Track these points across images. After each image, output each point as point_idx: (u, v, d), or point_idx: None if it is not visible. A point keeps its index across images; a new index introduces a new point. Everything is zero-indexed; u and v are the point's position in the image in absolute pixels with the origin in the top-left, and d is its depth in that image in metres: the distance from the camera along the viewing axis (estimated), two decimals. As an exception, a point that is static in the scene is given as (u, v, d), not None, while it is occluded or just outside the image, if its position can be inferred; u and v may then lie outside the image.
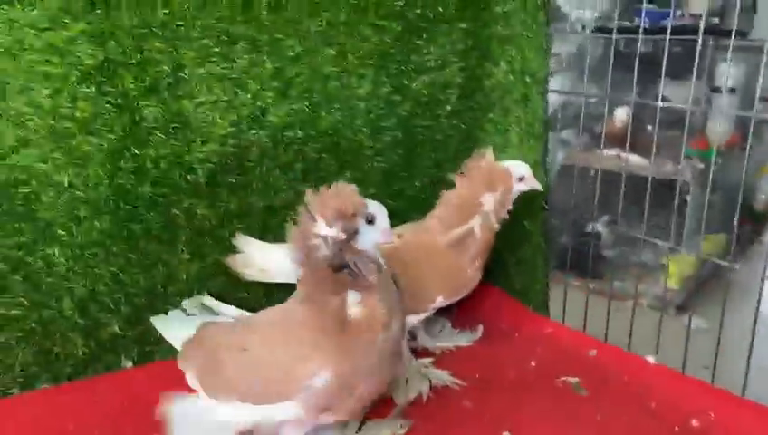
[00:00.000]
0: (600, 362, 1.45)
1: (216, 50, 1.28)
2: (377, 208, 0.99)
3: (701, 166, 3.28)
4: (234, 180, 1.37)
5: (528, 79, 1.50)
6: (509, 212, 1.38)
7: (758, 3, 3.50)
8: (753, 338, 1.27)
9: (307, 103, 1.41)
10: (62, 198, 1.21)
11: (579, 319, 1.57)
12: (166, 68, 1.24)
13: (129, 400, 1.26)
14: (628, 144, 1.74)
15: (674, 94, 3.15)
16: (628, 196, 1.52)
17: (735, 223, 1.37)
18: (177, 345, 1.14)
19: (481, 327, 1.55)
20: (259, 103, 1.35)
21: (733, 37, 1.37)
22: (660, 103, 1.32)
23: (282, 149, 1.40)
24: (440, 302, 1.38)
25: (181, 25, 1.24)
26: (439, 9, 1.51)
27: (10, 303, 1.21)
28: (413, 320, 1.35)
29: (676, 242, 3.27)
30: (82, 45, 1.15)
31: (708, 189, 1.65)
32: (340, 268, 0.95)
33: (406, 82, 1.52)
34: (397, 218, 1.51)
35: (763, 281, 1.26)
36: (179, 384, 1.09)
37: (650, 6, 3.28)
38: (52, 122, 1.16)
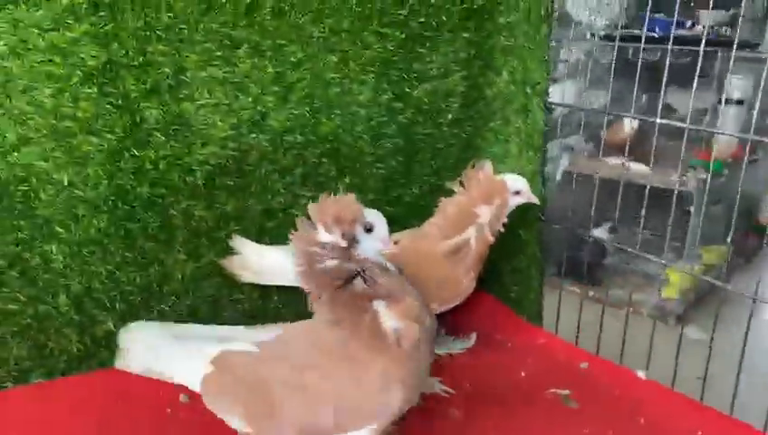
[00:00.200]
0: (591, 374, 1.45)
1: (219, 54, 1.29)
2: (375, 217, 0.99)
3: (705, 177, 3.28)
4: (232, 183, 1.38)
5: (529, 90, 1.50)
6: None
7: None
8: (743, 352, 1.27)
9: (308, 109, 1.41)
10: (61, 196, 1.22)
11: (577, 326, 1.58)
12: (168, 70, 1.25)
13: (122, 396, 1.27)
14: (627, 152, 1.73)
15: (682, 103, 3.16)
16: (631, 204, 1.52)
17: (729, 240, 1.37)
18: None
19: (474, 335, 1.56)
20: (260, 107, 1.36)
21: (735, 48, 1.37)
22: (659, 120, 1.32)
23: (281, 154, 1.41)
24: (434, 309, 1.39)
25: (184, 29, 1.25)
26: (443, 18, 1.51)
27: (6, 298, 1.23)
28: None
29: (677, 253, 3.28)
30: (86, 46, 1.17)
31: (705, 201, 1.64)
32: (350, 278, 0.95)
33: (407, 90, 1.53)
34: (395, 225, 1.52)
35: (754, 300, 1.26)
36: (170, 384, 1.10)
37: (660, 15, 3.28)
38: (54, 122, 1.18)
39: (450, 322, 1.59)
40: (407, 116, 1.55)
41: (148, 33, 1.22)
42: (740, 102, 3.17)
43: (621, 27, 3.37)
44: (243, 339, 1.06)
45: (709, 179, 2.61)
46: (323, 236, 0.94)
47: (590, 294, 1.58)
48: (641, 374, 1.42)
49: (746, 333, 1.26)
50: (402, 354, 0.95)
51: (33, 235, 1.22)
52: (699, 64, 1.31)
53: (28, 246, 1.22)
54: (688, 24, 3.27)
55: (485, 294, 1.67)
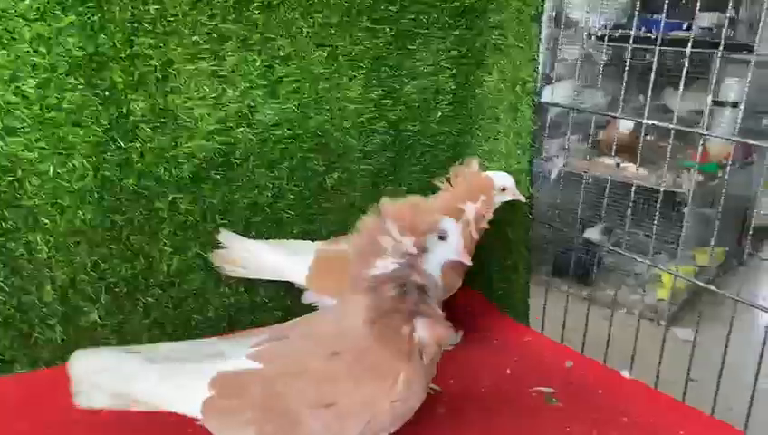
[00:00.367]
0: (575, 373, 1.46)
1: (207, 47, 1.29)
2: (451, 226, 0.97)
3: (700, 178, 3.28)
4: (219, 176, 1.38)
5: (518, 89, 1.50)
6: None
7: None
8: (725, 353, 1.27)
9: (296, 103, 1.41)
10: (46, 186, 1.22)
11: (571, 325, 1.58)
12: (155, 63, 1.25)
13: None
14: (615, 151, 1.73)
15: (678, 104, 3.16)
16: (626, 205, 1.51)
17: (712, 243, 1.37)
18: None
19: (461, 332, 1.56)
20: (247, 101, 1.36)
21: (721, 50, 1.37)
22: (646, 121, 1.32)
23: (268, 148, 1.41)
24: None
25: (172, 21, 1.25)
26: (434, 15, 1.51)
27: (-10, 287, 1.23)
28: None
29: (671, 254, 3.28)
30: (72, 37, 1.16)
31: (689, 202, 1.64)
32: (404, 291, 0.92)
33: (397, 87, 1.53)
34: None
35: (735, 302, 1.26)
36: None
37: (659, 17, 3.27)
38: (39, 112, 1.17)
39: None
40: (396, 112, 1.55)
41: (135, 25, 1.22)
42: (735, 105, 3.17)
43: (619, 28, 3.37)
44: (229, 352, 1.01)
45: (695, 181, 2.60)
46: (396, 233, 0.91)
47: (584, 293, 1.56)
48: (625, 374, 1.42)
49: (728, 335, 1.26)
50: (421, 364, 0.95)
51: (17, 225, 1.22)
52: (686, 67, 1.30)
53: (12, 236, 1.22)
54: (684, 25, 3.26)
55: (473, 292, 1.67)
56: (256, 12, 1.32)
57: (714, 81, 2.53)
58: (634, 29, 1.80)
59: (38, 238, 1.24)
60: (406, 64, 1.52)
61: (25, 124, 1.17)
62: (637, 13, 1.63)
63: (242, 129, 1.37)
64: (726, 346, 1.28)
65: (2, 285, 1.23)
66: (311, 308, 1.42)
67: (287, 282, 1.43)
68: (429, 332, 0.95)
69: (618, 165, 3.27)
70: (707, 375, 1.32)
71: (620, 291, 3.25)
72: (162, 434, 1.16)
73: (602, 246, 2.03)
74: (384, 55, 1.49)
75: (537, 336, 1.59)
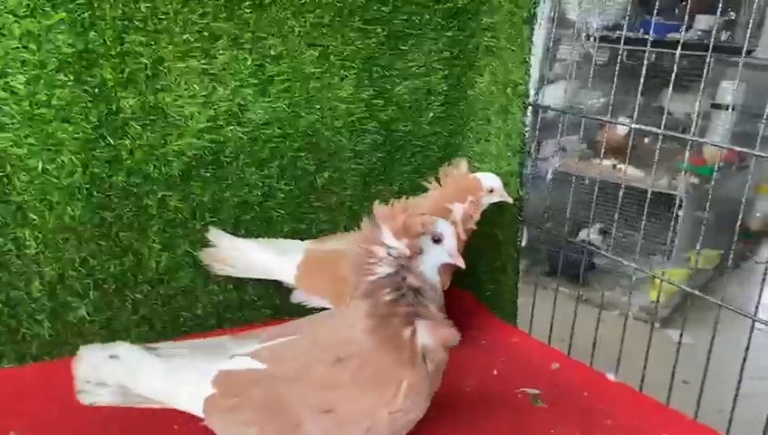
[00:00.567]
0: (561, 375, 1.47)
1: (197, 45, 1.29)
2: (445, 228, 0.97)
3: (695, 181, 3.29)
4: (209, 174, 1.38)
5: (509, 91, 1.51)
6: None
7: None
8: (708, 356, 1.28)
9: (287, 102, 1.42)
10: (35, 182, 1.22)
11: (565, 326, 1.57)
12: (145, 61, 1.25)
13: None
14: (603, 153, 1.73)
15: (676, 107, 3.16)
16: (622, 207, 1.50)
17: (697, 251, 1.37)
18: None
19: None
20: (238, 100, 1.36)
21: (710, 54, 1.37)
22: (634, 126, 1.33)
23: (259, 146, 1.41)
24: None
25: (163, 19, 1.25)
26: (426, 16, 1.52)
27: (-23, 282, 1.24)
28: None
29: (666, 257, 3.28)
30: (62, 34, 1.17)
31: (684, 205, 1.63)
32: (401, 295, 0.92)
33: (389, 87, 1.53)
34: (372, 221, 1.53)
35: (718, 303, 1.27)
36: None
37: (658, 18, 3.27)
38: (29, 108, 1.18)
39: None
40: (387, 113, 1.55)
41: (126, 22, 1.22)
42: (732, 108, 3.17)
43: (617, 29, 3.37)
44: (235, 350, 1.01)
45: (688, 183, 2.59)
46: (388, 239, 0.91)
47: (576, 294, 1.56)
48: (611, 377, 1.43)
49: (712, 339, 1.27)
50: (425, 371, 0.94)
51: (6, 220, 1.22)
52: (675, 70, 1.30)
53: (1, 232, 1.22)
54: (683, 27, 3.26)
55: (461, 292, 1.67)
56: (248, 11, 1.32)
57: (704, 84, 2.53)
58: (625, 30, 1.79)
59: (27, 234, 1.25)
60: (398, 65, 1.53)
61: (15, 120, 1.18)
62: (628, 15, 1.62)
63: (232, 127, 1.37)
64: (710, 350, 1.28)
65: (-10, 279, 1.24)
66: (299, 307, 1.42)
67: (276, 281, 1.44)
68: (432, 334, 0.95)
69: (614, 166, 3.27)
70: (701, 377, 1.32)
71: (614, 292, 3.25)
72: (147, 430, 1.17)
73: (594, 246, 2.04)
74: (376, 56, 1.49)
75: (525, 337, 1.60)
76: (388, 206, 0.93)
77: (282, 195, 1.47)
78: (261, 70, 1.37)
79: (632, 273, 1.47)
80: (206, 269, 1.41)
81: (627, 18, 1.85)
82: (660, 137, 1.29)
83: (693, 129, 1.37)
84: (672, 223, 3.23)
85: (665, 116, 1.29)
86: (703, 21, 3.33)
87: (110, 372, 1.00)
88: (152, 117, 1.29)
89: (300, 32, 1.39)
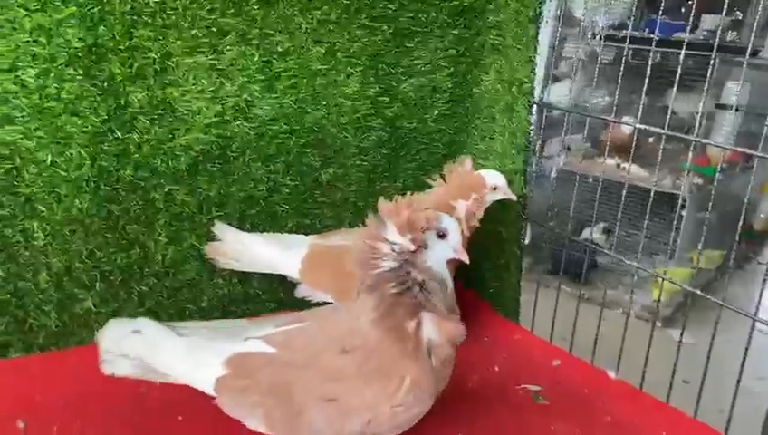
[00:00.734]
0: (562, 372, 1.48)
1: (205, 40, 1.30)
2: (450, 224, 0.97)
3: (699, 181, 3.29)
4: (215, 169, 1.39)
5: (515, 89, 1.51)
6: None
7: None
8: (708, 356, 1.29)
9: (293, 98, 1.43)
10: (43, 175, 1.24)
11: (567, 324, 1.57)
12: (153, 55, 1.27)
13: (96, 375, 1.29)
14: (607, 152, 1.74)
15: (681, 107, 3.16)
16: (626, 206, 1.51)
17: (699, 251, 1.38)
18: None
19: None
20: (245, 96, 1.37)
21: (714, 54, 1.37)
22: (638, 125, 1.33)
23: (265, 142, 1.43)
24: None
25: (171, 14, 1.26)
26: (432, 14, 1.52)
27: (-14, 272, 1.25)
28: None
29: (669, 256, 3.29)
30: (72, 28, 1.18)
31: (687, 205, 1.64)
32: (407, 287, 0.94)
33: (394, 84, 1.54)
34: (377, 218, 1.54)
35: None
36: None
37: (663, 18, 3.27)
38: (38, 102, 1.19)
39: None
40: (393, 110, 1.56)
41: (134, 17, 1.23)
42: (736, 109, 3.16)
43: (623, 28, 3.37)
44: (250, 334, 1.04)
45: (691, 183, 2.58)
46: (392, 235, 0.92)
47: (578, 292, 1.57)
48: (612, 374, 1.44)
49: (712, 338, 1.27)
50: (430, 366, 0.96)
51: (14, 212, 1.24)
52: (679, 70, 1.31)
53: (10, 223, 1.24)
54: (689, 27, 3.26)
55: (464, 289, 1.68)
56: (255, 7, 1.33)
57: (709, 84, 2.52)
58: (630, 29, 1.80)
59: (35, 226, 1.26)
60: (403, 62, 1.54)
61: (24, 113, 1.19)
62: (634, 14, 1.62)
63: (239, 123, 1.38)
64: (710, 349, 1.28)
65: (-2, 270, 1.26)
66: (303, 301, 1.43)
67: (280, 275, 1.45)
68: (438, 329, 0.96)
69: (618, 166, 3.27)
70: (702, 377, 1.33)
71: (617, 291, 3.26)
72: (152, 420, 1.19)
73: (596, 245, 2.05)
74: (382, 53, 1.50)
75: (526, 335, 1.61)
76: (393, 202, 0.94)
77: (287, 190, 1.48)
78: (268, 66, 1.38)
79: (634, 272, 1.48)
80: (212, 263, 1.43)
81: (632, 17, 1.85)
82: (664, 137, 1.29)
83: (696, 129, 1.37)
84: (676, 223, 3.23)
85: (669, 116, 1.30)
86: (709, 21, 3.32)
87: (132, 345, 1.04)
88: (160, 111, 1.30)
89: (307, 28, 1.40)
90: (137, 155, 1.31)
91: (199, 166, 1.38)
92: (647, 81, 1.37)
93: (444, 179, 1.41)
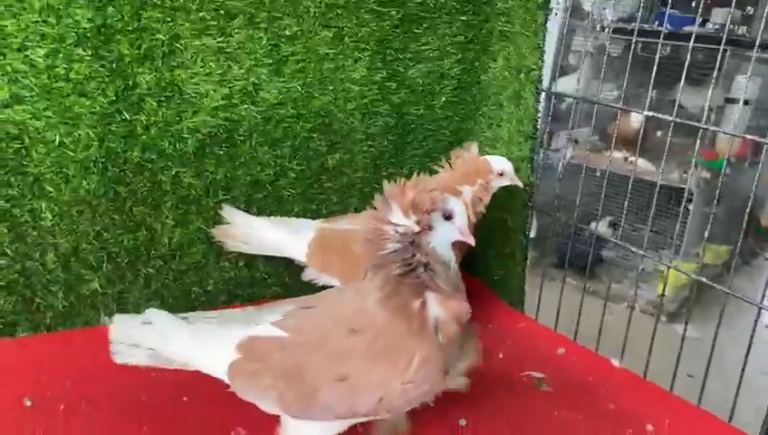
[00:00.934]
0: (566, 360, 1.48)
1: (213, 23, 1.31)
2: (456, 205, 0.97)
3: (707, 175, 3.27)
4: (222, 152, 1.40)
5: (522, 77, 1.51)
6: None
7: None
8: (713, 347, 1.28)
9: (301, 83, 1.43)
10: (51, 155, 1.24)
11: (572, 317, 1.57)
12: (162, 37, 1.27)
13: (103, 355, 1.30)
14: (613, 145, 1.73)
15: (690, 101, 3.14)
16: (633, 200, 1.50)
17: (703, 245, 1.37)
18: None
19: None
20: (252, 79, 1.38)
21: (722, 47, 1.36)
22: (646, 113, 1.33)
23: (272, 126, 1.43)
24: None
25: (180, -4, 1.27)
26: (441, 0, 1.52)
27: (-6, 252, 1.26)
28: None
29: (675, 251, 3.27)
30: (81, 9, 1.18)
31: (694, 199, 1.62)
32: (411, 268, 0.94)
33: (402, 70, 1.54)
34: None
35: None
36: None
37: (674, 11, 3.25)
38: (47, 81, 1.20)
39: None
40: (400, 96, 1.56)
41: (143, -2, 1.24)
42: (746, 102, 3.15)
43: (632, 21, 3.35)
44: (260, 320, 1.05)
45: (700, 178, 2.57)
46: (396, 217, 0.93)
47: (586, 286, 1.56)
48: (615, 362, 1.44)
49: (717, 328, 1.27)
50: (437, 343, 0.96)
51: (23, 192, 1.25)
52: (687, 63, 1.30)
53: (18, 203, 1.25)
54: (699, 21, 3.24)
55: (470, 277, 1.68)
56: (264, -10, 1.33)
57: (719, 77, 2.51)
58: (638, 22, 1.79)
59: (43, 206, 1.27)
60: (411, 48, 1.53)
61: (33, 93, 1.20)
62: (643, 6, 1.61)
63: (246, 106, 1.39)
64: (714, 340, 1.28)
65: (6, 250, 1.26)
66: (309, 285, 1.44)
67: (286, 258, 1.45)
68: (443, 306, 0.96)
69: (625, 159, 3.26)
70: (710, 371, 1.32)
71: (622, 285, 3.25)
72: (157, 399, 1.20)
73: (604, 237, 2.04)
74: (390, 38, 1.50)
75: (531, 323, 1.61)
76: (398, 183, 0.94)
77: (293, 175, 1.49)
78: (276, 49, 1.38)
79: (640, 261, 1.48)
80: (218, 246, 1.43)
81: (641, 10, 1.84)
82: (672, 126, 1.29)
83: (704, 118, 1.36)
84: (683, 217, 3.21)
85: (677, 104, 1.29)
86: (719, 14, 3.30)
87: (143, 335, 1.05)
88: (168, 93, 1.31)
89: (315, 12, 1.40)
90: (144, 137, 1.31)
91: (206, 149, 1.38)
92: (654, 74, 1.36)
93: (450, 165, 1.41)
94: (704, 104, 1.37)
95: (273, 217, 1.47)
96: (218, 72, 1.34)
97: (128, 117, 1.28)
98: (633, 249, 1.42)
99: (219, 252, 1.45)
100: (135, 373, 1.26)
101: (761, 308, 1.21)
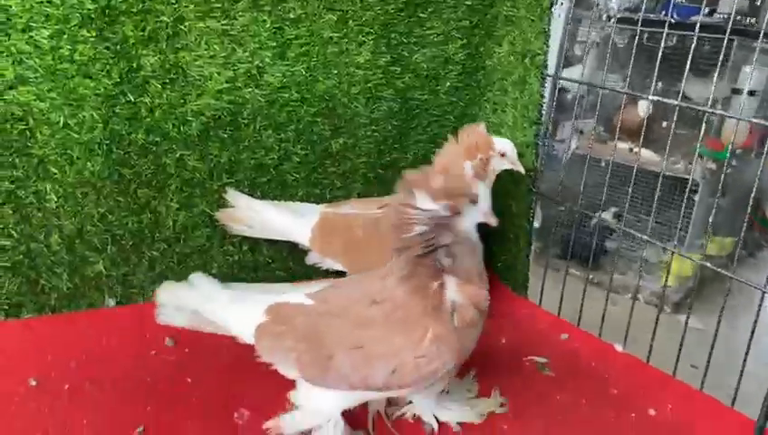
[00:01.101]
0: (570, 345, 1.48)
1: (218, 5, 1.30)
2: (481, 190, 1.05)
3: (712, 166, 3.26)
4: (226, 136, 1.40)
5: (527, 61, 1.50)
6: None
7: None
8: (715, 335, 1.28)
9: (305, 66, 1.43)
10: (56, 136, 1.25)
11: (575, 307, 1.57)
12: (166, 19, 1.27)
13: (107, 337, 1.32)
14: (617, 135, 1.72)
15: (696, 92, 3.12)
16: (637, 190, 1.50)
17: (707, 236, 1.37)
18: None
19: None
20: (256, 62, 1.37)
21: (726, 37, 1.35)
22: (651, 97, 1.32)
23: (276, 109, 1.43)
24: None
25: (184, -22, 1.26)
26: (446, -16, 1.52)
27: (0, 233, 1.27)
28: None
29: (680, 242, 3.26)
30: (86, -10, 1.18)
31: (699, 190, 1.62)
32: (434, 249, 0.98)
33: (406, 54, 1.54)
34: (388, 189, 1.54)
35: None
36: (159, 326, 1.15)
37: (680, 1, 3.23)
38: (51, 63, 1.20)
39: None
40: (404, 81, 1.56)
41: (148, -21, 1.24)
42: (752, 93, 3.13)
43: (638, 11, 3.33)
44: (292, 292, 1.12)
45: (706, 168, 2.55)
46: (423, 202, 0.97)
47: (590, 276, 1.56)
48: (619, 348, 1.44)
49: (720, 316, 1.27)
50: (452, 325, 1.00)
51: (27, 173, 1.25)
52: (691, 53, 1.29)
53: (23, 184, 1.25)
54: (706, 10, 3.22)
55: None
56: (268, -28, 1.33)
57: (725, 68, 2.50)
58: (643, 11, 1.78)
59: (47, 187, 1.27)
60: (416, 32, 1.53)
61: (38, 74, 1.20)
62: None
63: (250, 89, 1.39)
64: (717, 328, 1.28)
65: (11, 231, 1.27)
66: (313, 269, 1.44)
67: (290, 243, 1.46)
68: (461, 291, 1.00)
69: (630, 150, 3.25)
70: (714, 362, 1.32)
71: (626, 276, 3.24)
72: (163, 374, 1.20)
73: (608, 225, 2.04)
74: (394, 22, 1.49)
75: (535, 308, 1.61)
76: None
77: (297, 159, 1.49)
78: (280, 32, 1.38)
79: (644, 249, 1.47)
80: (222, 229, 1.43)
81: None
82: (676, 114, 1.28)
83: (710, 104, 1.35)
84: (688, 208, 3.20)
85: (681, 90, 1.28)
86: (727, 4, 3.28)
87: (188, 297, 1.13)
88: (172, 76, 1.31)
89: (320, -5, 1.40)
90: (148, 119, 1.32)
91: (210, 132, 1.38)
92: (657, 63, 1.35)
93: (456, 140, 1.39)
94: (710, 96, 1.37)
95: (276, 202, 1.47)
96: (222, 54, 1.34)
97: (132, 99, 1.28)
98: (637, 235, 1.42)
99: (223, 236, 1.46)
100: (139, 354, 1.28)
101: (764, 292, 1.21)
